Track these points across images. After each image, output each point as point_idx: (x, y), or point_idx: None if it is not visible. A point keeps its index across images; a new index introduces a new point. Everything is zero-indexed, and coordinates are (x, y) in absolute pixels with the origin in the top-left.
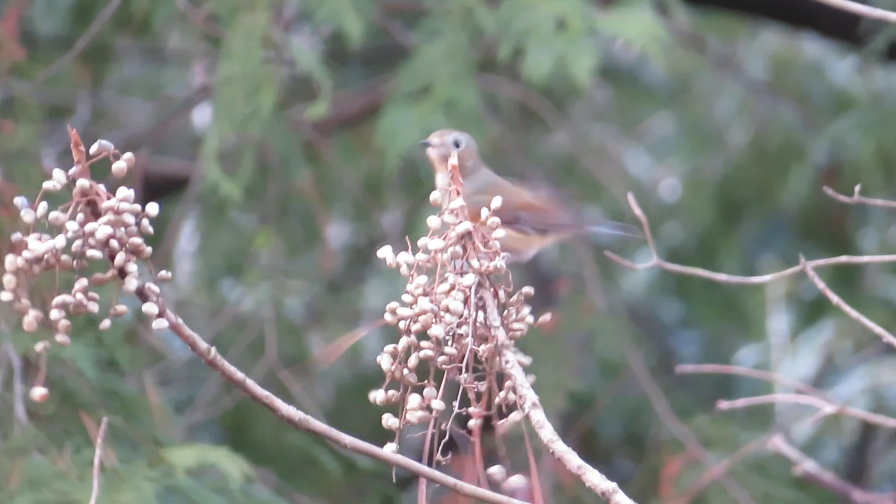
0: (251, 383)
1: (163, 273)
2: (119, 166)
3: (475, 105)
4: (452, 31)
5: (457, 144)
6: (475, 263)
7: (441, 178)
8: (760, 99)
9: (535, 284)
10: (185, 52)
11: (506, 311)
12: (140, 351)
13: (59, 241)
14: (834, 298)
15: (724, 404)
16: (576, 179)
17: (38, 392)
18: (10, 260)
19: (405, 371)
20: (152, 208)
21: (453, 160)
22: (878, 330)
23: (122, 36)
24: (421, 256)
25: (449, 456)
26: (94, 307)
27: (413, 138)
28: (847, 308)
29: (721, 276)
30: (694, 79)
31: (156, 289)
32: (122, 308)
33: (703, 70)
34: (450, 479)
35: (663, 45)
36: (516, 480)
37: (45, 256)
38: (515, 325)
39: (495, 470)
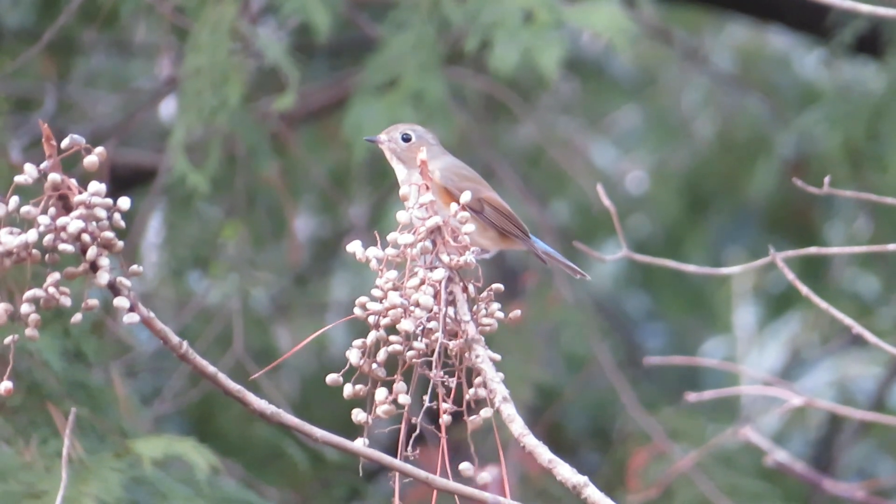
0: (223, 377)
1: (135, 267)
2: (91, 160)
3: (442, 97)
4: (420, 24)
5: (405, 139)
6: (445, 258)
7: (400, 173)
8: (727, 91)
9: (502, 277)
10: (152, 44)
11: (476, 306)
12: (107, 342)
13: (31, 235)
14: (803, 289)
15: (691, 396)
16: (542, 171)
17: (4, 386)
18: None
19: (374, 365)
20: (124, 202)
21: (423, 155)
22: (848, 321)
23: (89, 28)
24: (391, 251)
25: (418, 450)
26: (66, 301)
27: (380, 130)
28: (816, 299)
29: (689, 267)
30: (660, 71)
31: (127, 283)
32: (93, 302)
33: (669, 62)
34: (421, 473)
35: (630, 38)
36: (485, 476)
37: (16, 250)
38: (485, 321)
39: (465, 466)
